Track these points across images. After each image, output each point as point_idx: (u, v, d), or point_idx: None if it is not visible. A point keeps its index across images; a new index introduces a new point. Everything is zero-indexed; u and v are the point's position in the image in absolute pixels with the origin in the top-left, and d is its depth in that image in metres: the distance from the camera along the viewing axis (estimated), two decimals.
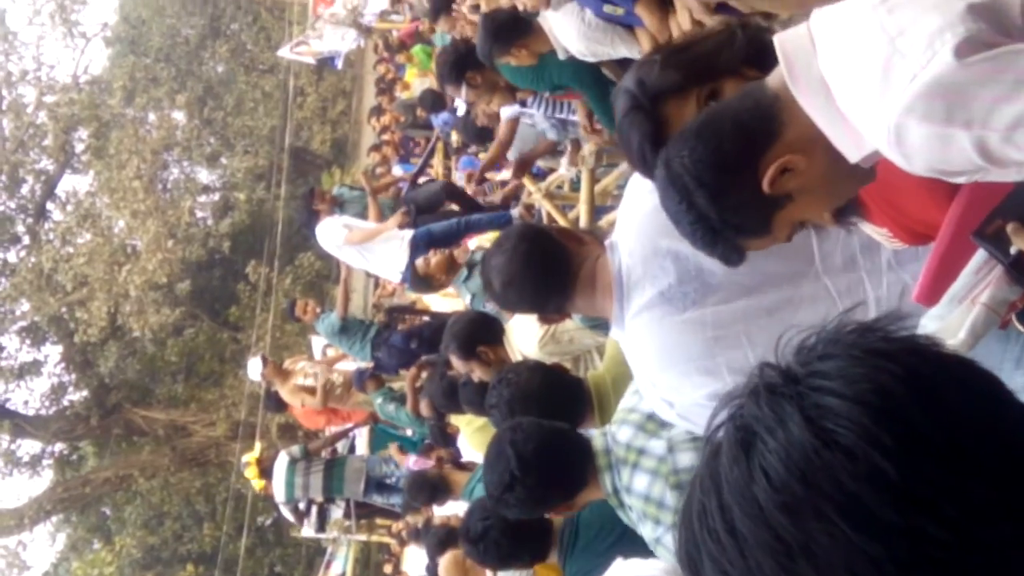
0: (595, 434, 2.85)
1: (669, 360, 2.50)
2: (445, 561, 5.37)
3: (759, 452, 0.95)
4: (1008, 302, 1.83)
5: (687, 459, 2.58)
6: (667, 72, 2.00)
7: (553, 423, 2.94)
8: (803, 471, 0.92)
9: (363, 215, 9.13)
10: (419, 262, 7.11)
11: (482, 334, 4.80)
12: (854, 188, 1.78)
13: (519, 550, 3.48)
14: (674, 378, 2.51)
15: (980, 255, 1.85)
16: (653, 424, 2.67)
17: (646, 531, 2.67)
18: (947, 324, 1.85)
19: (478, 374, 4.92)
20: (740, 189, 1.69)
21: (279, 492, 9.24)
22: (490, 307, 5.70)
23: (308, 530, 14.79)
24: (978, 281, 1.85)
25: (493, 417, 3.48)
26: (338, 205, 9.80)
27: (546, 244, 2.67)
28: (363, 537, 14.65)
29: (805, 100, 1.61)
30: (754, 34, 1.96)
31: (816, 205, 1.74)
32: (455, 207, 9.18)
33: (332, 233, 8.34)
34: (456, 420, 6.56)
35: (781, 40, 1.66)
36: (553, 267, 2.62)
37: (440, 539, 5.56)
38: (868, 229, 2.16)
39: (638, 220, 2.57)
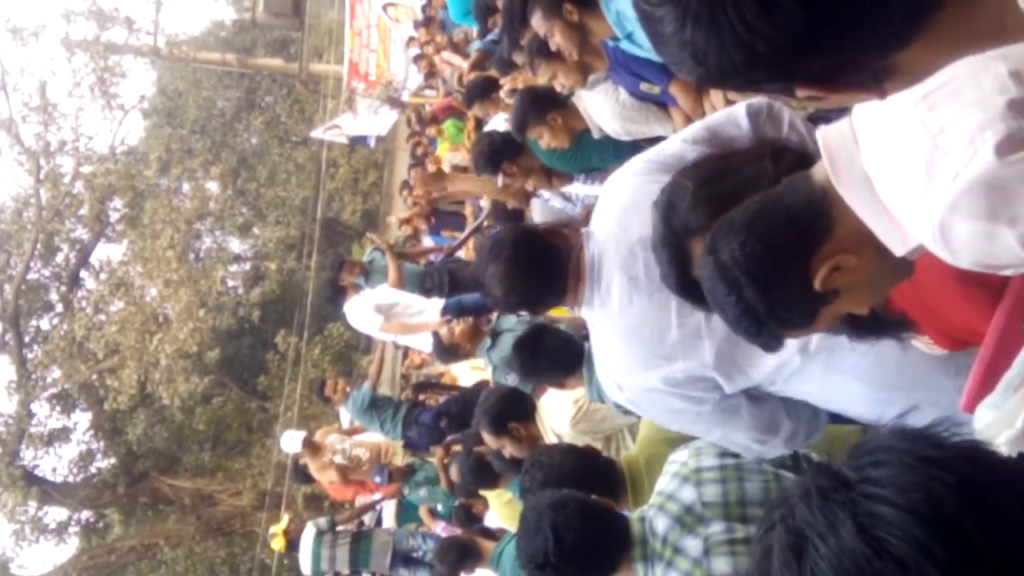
0: (633, 518, 2.86)
1: (630, 337, 2.59)
2: None
3: (811, 558, 0.95)
4: None
5: (723, 565, 2.57)
6: (697, 211, 1.99)
7: (597, 503, 2.93)
8: None
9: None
10: (443, 331, 7.14)
11: (513, 411, 4.86)
12: (895, 281, 1.79)
13: None
14: (632, 357, 2.60)
15: None
16: (691, 517, 2.67)
17: None
18: (1003, 413, 1.81)
19: (509, 450, 4.98)
20: (790, 285, 1.71)
21: (305, 565, 9.18)
22: (511, 379, 5.74)
23: None
24: None
25: (527, 501, 3.48)
26: (365, 273, 9.88)
27: (536, 245, 2.82)
28: None
29: (849, 195, 1.61)
30: (790, 157, 1.97)
31: (861, 300, 1.76)
32: None
33: (364, 318, 8.41)
34: (486, 493, 6.57)
35: (824, 136, 1.66)
36: (546, 266, 2.78)
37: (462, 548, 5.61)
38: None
39: (615, 212, 2.70)
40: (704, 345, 2.52)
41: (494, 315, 7.55)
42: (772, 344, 1.84)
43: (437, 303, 8.15)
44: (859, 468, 0.99)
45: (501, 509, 6.41)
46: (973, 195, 1.38)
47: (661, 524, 2.71)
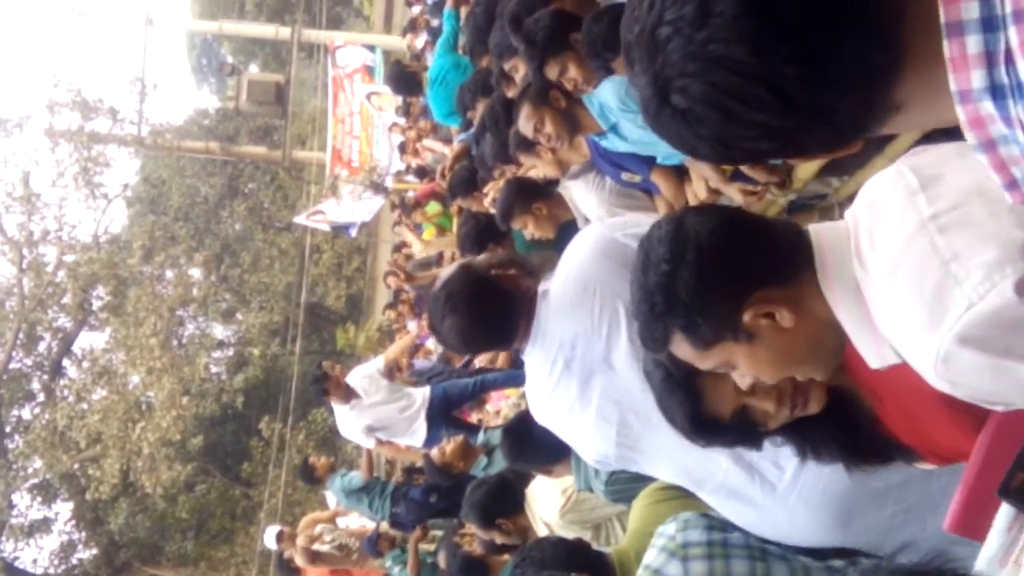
0: None
1: (591, 280, 2.75)
2: None
3: None
4: None
5: None
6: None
7: None
8: None
9: None
10: (434, 453, 7.11)
11: (501, 506, 4.81)
12: (803, 374, 1.76)
13: None
14: (585, 303, 2.75)
15: (1007, 510, 1.78)
16: None
17: None
18: None
19: (499, 541, 4.95)
20: (724, 296, 1.66)
21: None
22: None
23: None
24: (1012, 540, 1.78)
25: None
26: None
27: (491, 294, 2.90)
28: None
29: (833, 297, 1.60)
30: None
31: (763, 364, 1.71)
32: None
33: (354, 434, 8.41)
34: None
35: (817, 232, 1.66)
36: (501, 315, 2.88)
37: None
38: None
39: (571, 289, 2.80)
40: (611, 435, 2.73)
41: (481, 432, 7.56)
42: (654, 342, 1.75)
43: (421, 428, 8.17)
44: None
45: None
46: (988, 329, 1.35)
47: None
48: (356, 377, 8.47)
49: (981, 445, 1.89)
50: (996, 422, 1.86)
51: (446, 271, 3.08)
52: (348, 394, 8.25)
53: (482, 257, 3.09)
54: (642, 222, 2.76)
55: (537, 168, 5.15)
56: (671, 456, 2.75)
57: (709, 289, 1.66)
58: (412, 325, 14.54)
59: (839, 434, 2.00)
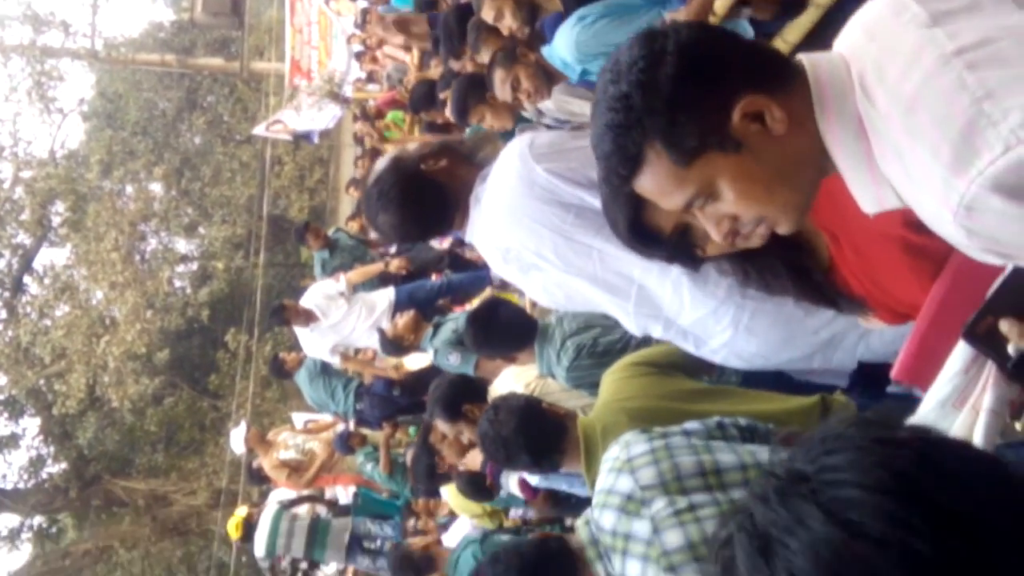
0: (579, 525, 2.88)
1: (517, 211, 2.83)
2: None
3: (781, 556, 0.92)
4: (1007, 400, 1.73)
5: (674, 538, 2.56)
6: None
7: (547, 537, 3.03)
8: (833, 567, 0.89)
9: (350, 266, 9.26)
10: (386, 325, 7.19)
11: (466, 394, 4.85)
12: (792, 200, 1.58)
13: None
14: (513, 228, 2.86)
15: (965, 352, 1.74)
16: (633, 504, 2.68)
17: None
18: (955, 432, 1.73)
19: (467, 434, 4.99)
20: (708, 96, 1.49)
21: (260, 544, 9.13)
22: (453, 359, 5.79)
23: None
24: (969, 382, 1.75)
25: (484, 446, 3.58)
26: (329, 246, 9.93)
27: (422, 188, 3.01)
28: None
29: (832, 136, 1.48)
30: None
31: (751, 182, 1.52)
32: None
33: (320, 354, 8.49)
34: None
35: (814, 65, 1.51)
36: (434, 207, 3.01)
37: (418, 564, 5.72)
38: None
39: (503, 197, 2.89)
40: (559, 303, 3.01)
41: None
42: (623, 163, 1.56)
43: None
44: (813, 459, 0.97)
45: (455, 498, 6.50)
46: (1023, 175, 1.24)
47: (607, 519, 2.72)
48: (315, 296, 8.51)
49: (936, 294, 1.87)
50: (952, 272, 1.83)
51: (378, 165, 3.14)
52: (307, 318, 8.31)
53: (413, 148, 3.14)
54: (566, 145, 2.84)
55: (487, 120, 5.24)
56: (624, 315, 2.91)
57: (694, 82, 1.48)
58: (375, 234, 14.53)
59: (790, 271, 1.97)
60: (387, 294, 8.54)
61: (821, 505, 0.91)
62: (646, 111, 1.48)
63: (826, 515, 0.91)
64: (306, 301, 8.43)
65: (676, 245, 1.92)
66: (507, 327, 4.77)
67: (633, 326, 2.92)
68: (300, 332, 8.44)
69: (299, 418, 11.95)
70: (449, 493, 6.61)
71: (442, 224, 3.09)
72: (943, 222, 1.35)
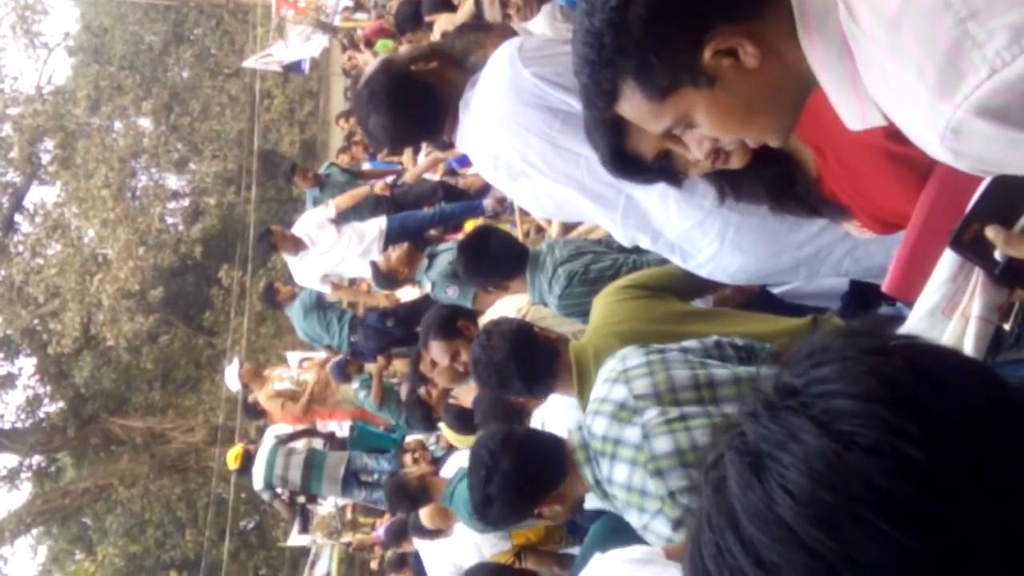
0: (572, 429, 2.92)
1: (506, 116, 2.78)
2: (427, 511, 5.52)
3: (774, 472, 0.90)
4: (996, 306, 1.73)
5: (663, 444, 2.61)
6: None
7: (530, 432, 3.10)
8: (829, 479, 0.87)
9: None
10: (379, 258, 7.11)
11: (460, 313, 4.84)
12: (769, 128, 1.59)
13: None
14: (502, 134, 2.81)
15: (951, 260, 1.75)
16: (626, 412, 2.72)
17: (632, 519, 2.71)
18: (946, 340, 1.73)
19: (463, 356, 4.94)
20: (681, 31, 1.47)
21: (258, 476, 9.12)
22: (451, 292, 5.73)
23: (294, 538, 14.77)
24: (956, 290, 1.75)
25: (476, 371, 3.53)
26: (319, 184, 9.81)
27: (413, 91, 2.96)
28: (348, 539, 14.68)
29: (815, 52, 1.44)
30: None
31: (726, 113, 1.53)
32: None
33: (311, 283, 8.41)
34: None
35: None
36: (425, 111, 2.98)
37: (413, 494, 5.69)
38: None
39: (492, 105, 2.83)
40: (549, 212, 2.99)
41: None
42: (598, 96, 1.58)
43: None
44: (801, 373, 0.95)
45: (451, 431, 6.49)
46: (1010, 98, 1.22)
47: (599, 425, 2.76)
48: (305, 224, 8.43)
49: (923, 205, 1.87)
50: (938, 182, 1.83)
51: (369, 68, 3.11)
52: (296, 245, 8.22)
53: (403, 51, 3.09)
54: (555, 50, 2.77)
55: None
56: (612, 225, 2.84)
57: (664, 22, 1.48)
58: (367, 165, 14.40)
59: (773, 182, 1.95)
60: (378, 223, 8.43)
61: (812, 418, 0.89)
62: (617, 51, 1.49)
63: (818, 427, 0.88)
64: (296, 230, 8.37)
65: (658, 168, 1.94)
66: (498, 255, 4.71)
67: (621, 236, 2.88)
68: (291, 261, 8.36)
69: (294, 357, 11.94)
70: (444, 426, 6.58)
71: (432, 126, 3.03)
72: (929, 143, 1.34)
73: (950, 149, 1.31)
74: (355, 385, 8.99)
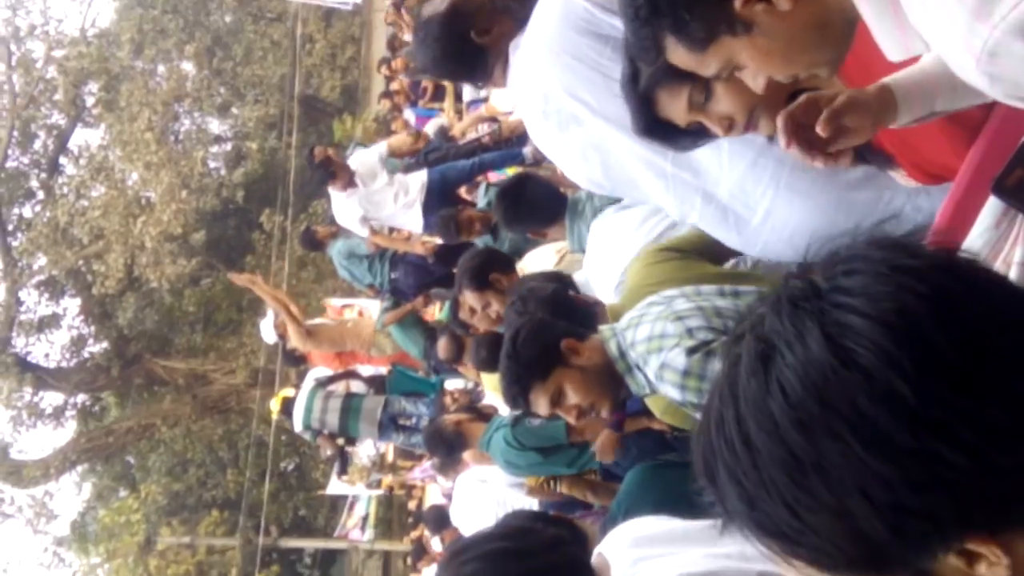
0: (605, 336, 2.98)
1: (555, 45, 2.75)
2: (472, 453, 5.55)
3: (777, 366, 0.93)
4: None
5: (684, 304, 2.72)
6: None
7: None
8: (819, 389, 0.90)
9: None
10: (418, 211, 7.08)
11: (494, 264, 4.87)
12: (814, 64, 1.61)
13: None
14: (551, 66, 2.78)
15: (995, 206, 1.74)
16: (654, 304, 2.85)
17: (651, 367, 2.74)
18: None
19: (495, 307, 5.00)
20: None
21: (298, 419, 9.21)
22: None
23: (334, 485, 14.93)
24: (999, 237, 1.74)
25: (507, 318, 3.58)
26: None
27: (465, 28, 3.01)
28: (386, 488, 14.87)
29: None
30: None
31: (766, 58, 1.58)
32: None
33: (351, 223, 8.42)
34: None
35: None
36: (470, 56, 3.03)
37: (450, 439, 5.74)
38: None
39: (545, 44, 2.81)
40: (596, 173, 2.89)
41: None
42: (643, 52, 1.68)
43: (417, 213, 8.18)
44: (831, 277, 0.96)
45: (489, 379, 6.50)
46: None
47: (642, 332, 2.81)
48: (359, 163, 8.46)
49: (972, 158, 1.85)
50: (989, 136, 1.81)
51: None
52: (349, 179, 8.24)
53: None
54: None
55: None
56: (656, 196, 2.81)
57: None
58: (408, 112, 14.40)
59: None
60: (420, 176, 8.45)
61: (824, 326, 0.92)
62: (652, 13, 1.57)
63: (825, 338, 0.91)
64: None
65: (690, 134, 2.01)
66: (536, 202, 4.70)
67: (671, 200, 2.81)
68: (336, 197, 8.37)
69: (335, 304, 12.01)
70: (485, 379, 6.59)
71: (475, 72, 3.10)
72: (967, 68, 1.33)
73: (986, 73, 1.30)
74: (385, 304, 9.07)
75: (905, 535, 0.90)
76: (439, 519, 8.36)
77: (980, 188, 1.78)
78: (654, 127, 1.99)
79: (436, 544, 9.44)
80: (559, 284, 3.74)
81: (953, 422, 0.86)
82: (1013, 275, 1.70)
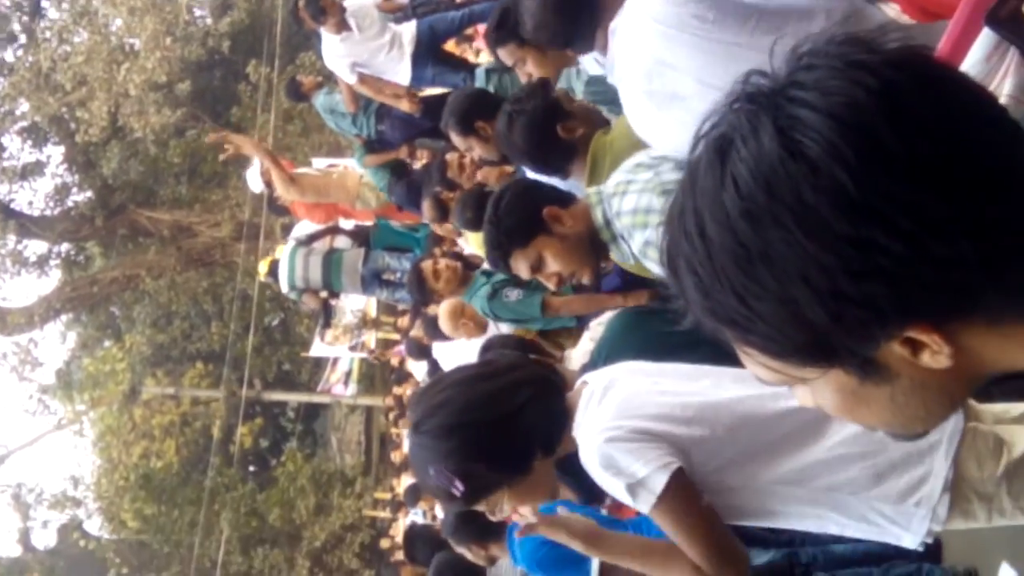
0: (592, 202, 2.94)
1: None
2: (445, 308, 5.60)
3: (732, 160, 0.96)
4: None
5: (673, 176, 2.66)
6: None
7: None
8: (768, 180, 0.93)
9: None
10: (407, 59, 6.92)
11: (480, 109, 4.81)
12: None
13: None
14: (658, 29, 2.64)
15: (987, 40, 1.74)
16: (643, 167, 2.78)
17: (636, 242, 2.74)
18: None
19: (478, 151, 4.95)
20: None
21: (283, 278, 9.26)
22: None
23: (317, 347, 15.05)
24: (991, 70, 1.74)
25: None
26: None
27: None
28: (368, 351, 14.95)
29: None
30: None
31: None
32: None
33: (339, 67, 8.21)
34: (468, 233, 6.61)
35: None
36: (581, 12, 3.03)
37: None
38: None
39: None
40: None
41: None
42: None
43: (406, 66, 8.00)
44: (791, 72, 0.98)
45: (475, 239, 6.46)
46: None
47: (614, 179, 2.85)
48: (355, 6, 8.25)
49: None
50: None
51: None
52: (342, 22, 8.04)
53: None
54: None
55: None
56: None
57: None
58: None
59: None
60: (409, 28, 8.25)
61: (776, 120, 0.94)
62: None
63: (777, 131, 0.94)
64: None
65: None
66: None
67: None
68: (327, 39, 8.17)
69: (319, 163, 11.93)
70: (470, 236, 6.54)
71: (581, 33, 3.10)
72: None
73: None
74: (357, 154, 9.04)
75: (845, 321, 0.94)
76: (421, 348, 8.47)
77: (978, 24, 1.77)
78: None
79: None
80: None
81: (891, 210, 0.89)
82: None
